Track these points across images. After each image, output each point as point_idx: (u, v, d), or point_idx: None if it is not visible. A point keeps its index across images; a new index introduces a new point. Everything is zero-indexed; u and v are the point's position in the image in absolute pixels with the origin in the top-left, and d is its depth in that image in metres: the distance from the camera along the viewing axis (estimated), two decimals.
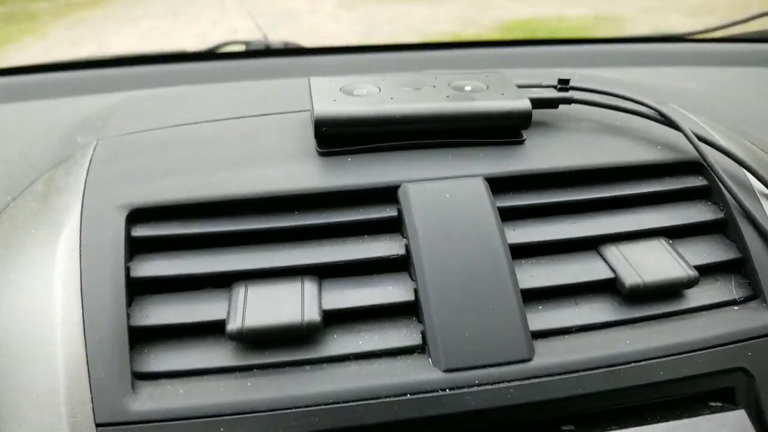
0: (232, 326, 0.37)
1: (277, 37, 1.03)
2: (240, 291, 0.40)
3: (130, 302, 0.39)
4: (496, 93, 0.48)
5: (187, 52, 0.93)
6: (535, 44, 0.94)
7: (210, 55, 0.93)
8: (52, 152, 0.54)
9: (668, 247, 0.44)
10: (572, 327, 0.40)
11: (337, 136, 0.46)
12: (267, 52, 0.94)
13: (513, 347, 0.38)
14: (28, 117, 0.66)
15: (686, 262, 0.43)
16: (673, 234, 0.46)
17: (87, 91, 0.77)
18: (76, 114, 0.63)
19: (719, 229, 0.47)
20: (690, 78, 0.84)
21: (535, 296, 0.41)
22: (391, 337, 0.39)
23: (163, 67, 0.85)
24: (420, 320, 0.40)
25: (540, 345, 0.39)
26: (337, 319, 0.40)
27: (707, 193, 0.48)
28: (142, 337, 0.39)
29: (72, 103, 0.71)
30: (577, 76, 0.69)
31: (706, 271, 0.44)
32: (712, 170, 0.47)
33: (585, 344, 0.40)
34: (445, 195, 0.43)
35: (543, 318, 0.41)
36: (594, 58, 0.90)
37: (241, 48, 1.02)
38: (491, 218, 0.42)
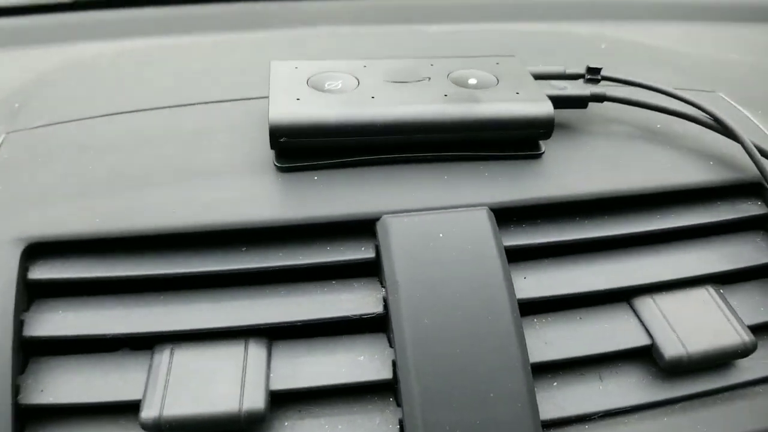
0: (148, 414, 0.28)
1: None
2: (163, 359, 0.30)
3: (21, 369, 0.30)
4: (508, 91, 0.37)
5: None
6: None
7: None
8: None
9: (718, 299, 0.35)
10: (595, 413, 0.31)
11: (300, 148, 0.35)
12: None
13: None
14: None
15: (740, 322, 0.34)
16: (725, 279, 0.36)
17: (20, 42, 0.65)
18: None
19: None
20: (714, 36, 0.72)
21: (549, 369, 0.32)
22: (361, 427, 0.30)
23: (115, 12, 0.72)
24: (398, 404, 0.30)
25: None
26: (290, 399, 0.31)
27: (766, 223, 0.38)
28: (35, 418, 0.30)
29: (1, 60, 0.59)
30: (605, 45, 0.58)
31: (764, 330, 0.35)
32: None
33: None
34: (437, 233, 0.33)
35: (558, 400, 0.32)
36: (600, 9, 0.78)
37: None
38: (496, 266, 0.32)
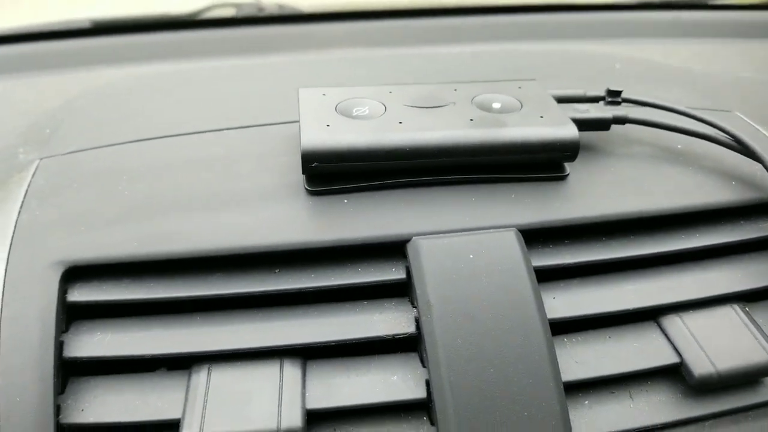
0: None
1: None
2: (200, 379, 0.31)
3: (62, 388, 0.31)
4: (533, 115, 0.38)
5: (167, 18, 0.81)
6: (549, 11, 0.82)
7: (193, 22, 0.82)
8: None
9: (744, 318, 0.35)
10: (626, 431, 0.32)
11: (331, 173, 0.36)
12: (259, 19, 0.83)
13: None
14: None
15: None
16: (750, 297, 0.36)
17: (46, 66, 0.66)
18: (27, 105, 0.53)
19: None
20: (726, 53, 0.73)
21: (580, 388, 0.33)
22: None
23: (139, 37, 0.74)
24: (433, 423, 0.31)
25: None
26: (325, 417, 0.31)
27: None
28: None
29: (26, 85, 0.61)
30: (619, 65, 0.59)
31: None
32: None
33: None
34: (467, 255, 0.33)
35: (590, 418, 0.32)
36: (613, 28, 0.79)
37: (229, 12, 0.90)
38: (526, 286, 0.33)
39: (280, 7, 0.85)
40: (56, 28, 0.75)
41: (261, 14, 0.83)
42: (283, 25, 0.79)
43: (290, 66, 0.58)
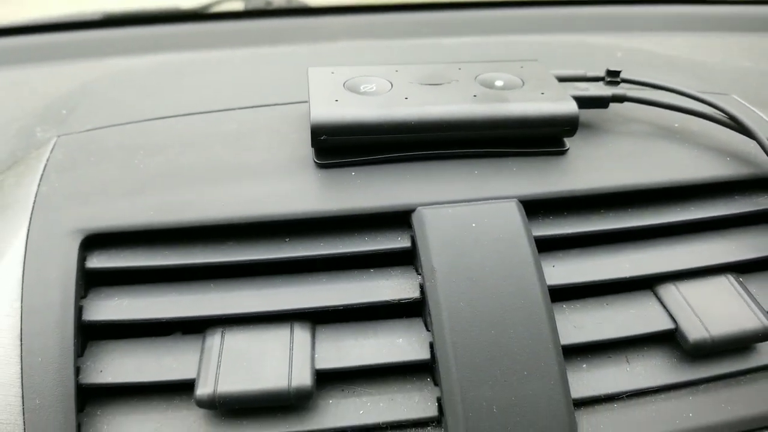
0: (202, 391, 0.30)
1: None
2: (214, 341, 0.32)
3: (81, 351, 0.32)
4: (534, 91, 0.40)
5: (178, 11, 0.83)
6: (550, 5, 0.84)
7: (203, 15, 0.83)
8: (6, 149, 0.46)
9: (738, 287, 0.36)
10: (623, 393, 0.33)
11: (338, 146, 0.38)
12: (267, 12, 0.84)
13: (552, 423, 0.31)
14: None
15: (760, 307, 0.35)
16: (743, 267, 0.38)
17: (60, 56, 0.68)
18: (43, 89, 0.54)
19: None
20: (725, 45, 0.74)
21: (578, 352, 0.34)
22: (401, 405, 0.32)
23: (150, 29, 0.75)
24: (436, 383, 0.32)
25: (584, 417, 0.32)
26: (333, 378, 0.32)
27: None
28: (94, 397, 0.32)
29: (41, 73, 0.62)
30: (621, 53, 0.60)
31: None
32: None
33: (638, 418, 0.32)
34: (470, 223, 0.35)
35: (587, 381, 0.33)
36: (612, 21, 0.80)
37: (238, 6, 0.91)
38: (527, 254, 0.34)
39: (288, 0, 0.87)
40: (69, 19, 0.77)
41: (269, 7, 0.84)
42: (291, 17, 0.80)
43: (298, 55, 0.59)
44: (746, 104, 0.48)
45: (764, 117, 0.46)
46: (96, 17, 0.77)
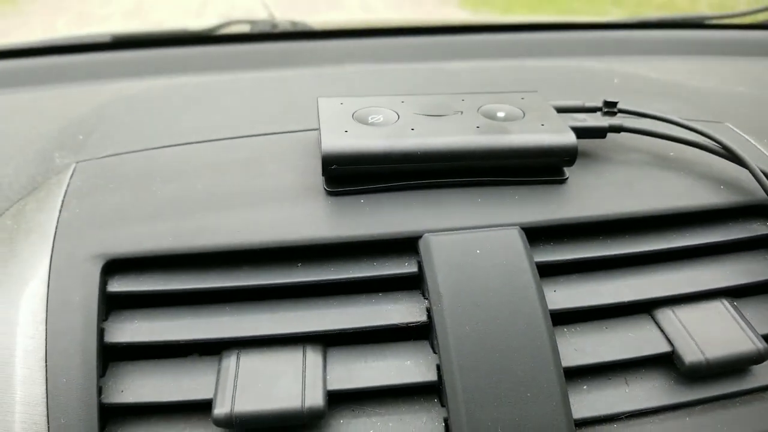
0: (220, 411, 0.31)
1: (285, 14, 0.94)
2: (230, 363, 0.34)
3: (102, 371, 0.34)
4: (534, 123, 0.41)
5: (185, 34, 0.85)
6: (550, 29, 0.86)
7: (210, 38, 0.86)
8: (26, 173, 0.47)
9: (732, 311, 0.38)
10: (622, 413, 0.34)
11: (348, 175, 0.39)
12: (273, 35, 0.86)
13: None
14: (1, 116, 0.59)
15: (754, 331, 0.37)
16: (738, 292, 0.39)
17: (71, 78, 0.70)
18: (56, 112, 0.56)
19: None
20: (721, 70, 0.76)
21: (579, 374, 0.35)
22: (409, 425, 0.33)
23: (159, 51, 0.77)
24: (443, 404, 0.34)
25: None
26: (344, 399, 0.34)
27: None
28: (116, 416, 0.33)
29: (53, 96, 0.64)
30: (617, 80, 0.62)
31: None
32: None
33: None
34: (474, 250, 0.36)
35: (588, 402, 0.34)
36: (610, 46, 0.82)
37: (245, 29, 0.93)
38: (529, 279, 0.35)
39: (294, 24, 0.89)
40: (78, 42, 0.79)
41: (275, 30, 0.86)
42: (297, 41, 0.82)
43: (306, 78, 0.61)
44: (739, 132, 0.49)
45: (757, 145, 0.48)
46: (105, 39, 0.79)
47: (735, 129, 0.50)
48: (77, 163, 0.44)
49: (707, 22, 0.92)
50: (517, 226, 0.37)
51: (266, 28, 0.89)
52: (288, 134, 0.46)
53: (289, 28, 0.88)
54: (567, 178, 0.41)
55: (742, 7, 0.94)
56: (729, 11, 0.94)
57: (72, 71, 0.72)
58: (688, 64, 0.77)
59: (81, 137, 0.49)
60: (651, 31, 0.87)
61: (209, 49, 0.78)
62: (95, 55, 0.76)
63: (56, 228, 0.38)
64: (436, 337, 0.34)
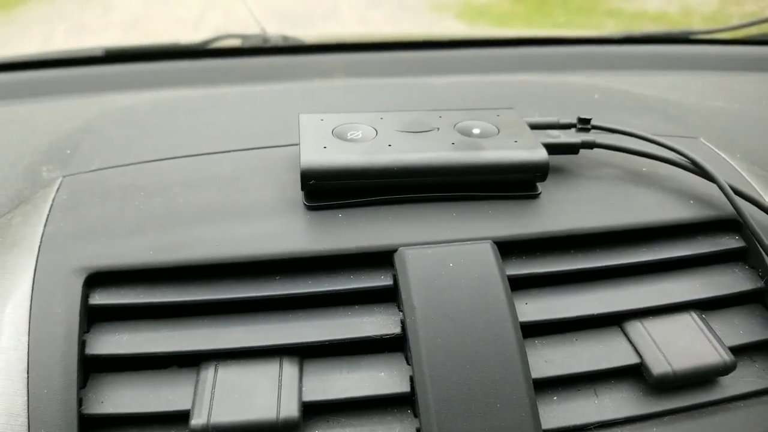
0: (197, 422, 0.32)
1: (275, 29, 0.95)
2: (208, 375, 0.35)
3: (83, 383, 0.34)
4: (508, 139, 0.43)
5: (177, 47, 0.86)
6: (535, 44, 0.87)
7: (202, 51, 0.87)
8: (14, 186, 0.48)
9: (700, 323, 0.39)
10: (591, 424, 0.35)
11: (326, 189, 0.40)
12: (264, 50, 0.88)
13: None
14: None
15: (721, 343, 0.38)
16: (706, 305, 0.40)
17: (62, 91, 0.71)
18: (47, 126, 0.57)
19: (758, 298, 0.41)
20: (703, 85, 0.77)
21: (549, 385, 0.36)
22: None
23: (150, 65, 0.79)
24: (416, 415, 0.34)
25: None
26: (319, 410, 0.35)
27: (744, 256, 0.42)
28: (95, 427, 0.34)
29: (44, 108, 0.65)
30: (598, 95, 0.63)
31: (742, 351, 0.39)
32: (750, 230, 0.41)
33: None
34: (447, 263, 0.37)
35: (558, 412, 0.35)
36: (596, 61, 0.84)
37: (236, 43, 0.95)
38: (500, 292, 0.36)
39: (285, 38, 0.90)
40: (69, 55, 0.80)
41: (266, 45, 0.88)
42: (287, 55, 0.84)
43: (292, 93, 0.63)
44: (712, 147, 0.51)
45: (728, 159, 0.49)
46: (96, 53, 0.80)
47: (708, 144, 0.51)
48: (63, 177, 0.45)
49: (692, 37, 0.93)
50: (490, 240, 0.38)
51: (257, 43, 0.90)
52: (271, 149, 0.48)
53: (280, 42, 0.90)
54: (540, 193, 0.42)
55: (730, 22, 0.96)
56: (715, 26, 0.95)
57: (63, 84, 0.73)
58: (670, 79, 0.78)
59: (68, 151, 0.50)
60: (636, 46, 0.88)
61: (200, 63, 0.79)
62: (86, 69, 0.77)
63: (41, 241, 0.39)
64: (409, 349, 0.35)
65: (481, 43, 0.87)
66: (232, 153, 0.47)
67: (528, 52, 0.85)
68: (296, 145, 0.47)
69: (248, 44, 0.91)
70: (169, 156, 0.47)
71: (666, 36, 0.94)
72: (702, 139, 0.52)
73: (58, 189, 0.44)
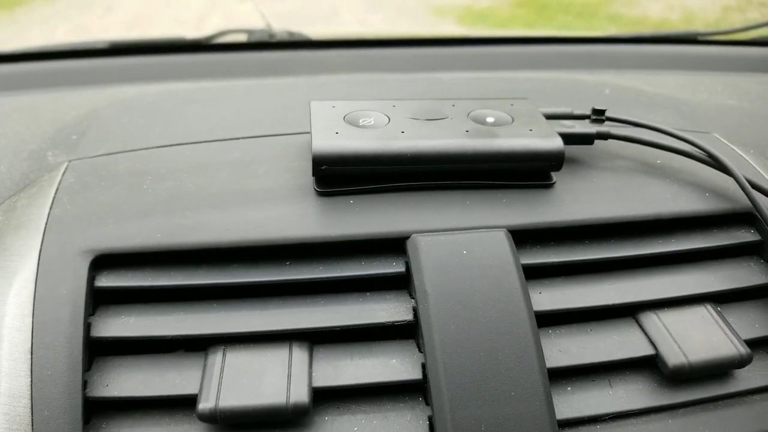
0: (204, 406, 0.32)
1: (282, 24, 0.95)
2: (216, 359, 0.34)
3: (88, 366, 0.34)
4: (523, 128, 0.42)
5: (182, 42, 0.86)
6: (543, 43, 0.87)
7: (207, 46, 0.86)
8: (19, 171, 0.48)
9: (716, 316, 0.38)
10: (605, 415, 0.34)
11: (338, 175, 0.40)
12: (270, 44, 0.87)
13: None
14: None
15: (737, 336, 0.37)
16: (721, 298, 0.40)
17: (68, 83, 0.70)
18: (53, 114, 0.57)
19: None
20: (711, 84, 0.77)
21: (563, 375, 0.35)
22: (393, 422, 0.33)
23: (155, 58, 0.78)
24: (427, 402, 0.34)
25: None
26: (329, 396, 0.34)
27: (760, 250, 0.42)
28: (100, 410, 0.33)
29: (50, 99, 0.64)
30: (608, 90, 0.63)
31: (758, 344, 0.38)
32: (766, 223, 0.41)
33: None
34: (461, 251, 0.37)
35: (572, 403, 0.35)
36: (604, 59, 0.84)
37: (242, 38, 0.94)
38: (515, 281, 0.36)
39: (290, 33, 0.90)
40: (77, 47, 0.79)
41: (272, 40, 0.87)
42: (293, 50, 0.83)
43: (299, 85, 0.62)
44: (726, 142, 0.50)
45: (743, 155, 0.48)
46: (103, 46, 0.80)
47: (722, 139, 0.51)
48: (70, 161, 0.44)
49: (700, 38, 0.93)
50: (504, 229, 0.38)
51: (263, 38, 0.90)
52: (281, 137, 0.47)
53: (285, 37, 0.89)
54: (554, 183, 0.42)
55: (736, 25, 0.96)
56: (722, 28, 0.95)
57: (68, 76, 0.72)
58: (679, 78, 0.78)
59: (74, 137, 0.50)
60: (645, 45, 0.88)
61: (205, 57, 0.79)
62: (92, 60, 0.76)
63: (46, 223, 0.38)
64: (421, 336, 0.34)
65: (489, 41, 0.86)
66: (241, 140, 0.46)
67: (536, 51, 0.85)
68: (307, 133, 0.47)
69: (254, 39, 0.91)
70: (177, 142, 0.46)
71: (673, 36, 0.93)
72: (716, 135, 0.51)
73: (64, 172, 0.43)
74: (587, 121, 0.46)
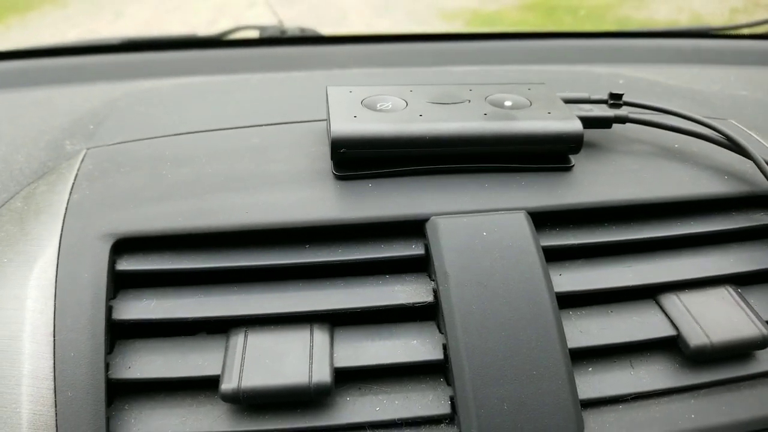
0: (227, 386, 0.32)
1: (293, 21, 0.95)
2: (238, 340, 0.34)
3: (110, 348, 0.34)
4: (541, 111, 0.42)
5: (195, 38, 0.86)
6: (556, 37, 0.87)
7: (220, 42, 0.87)
8: (37, 160, 0.48)
9: (737, 297, 0.38)
10: (627, 395, 0.34)
11: (356, 159, 0.40)
12: (282, 40, 0.88)
13: (560, 421, 0.32)
14: (14, 110, 0.60)
15: (758, 317, 0.37)
16: (741, 280, 0.39)
17: (82, 78, 0.70)
18: (68, 107, 0.57)
19: None
20: (725, 76, 0.77)
21: (584, 355, 0.35)
22: (415, 403, 0.33)
23: (169, 54, 0.78)
24: (449, 383, 0.34)
25: (590, 417, 0.33)
26: (350, 377, 0.34)
27: None
28: (122, 392, 0.33)
29: (65, 93, 0.65)
30: (623, 81, 0.63)
31: None
32: None
33: (642, 418, 0.34)
34: (481, 232, 0.36)
35: (594, 383, 0.34)
36: (617, 53, 0.83)
37: (254, 34, 0.95)
38: (535, 261, 0.36)
39: (302, 30, 0.90)
40: (91, 43, 0.80)
41: (284, 36, 0.88)
42: (305, 46, 0.83)
43: (314, 78, 0.62)
44: (744, 128, 0.50)
45: (760, 140, 0.48)
46: (116, 42, 0.81)
47: (738, 125, 0.50)
48: (88, 149, 0.45)
49: (712, 32, 0.93)
50: (524, 211, 0.38)
51: (275, 34, 0.90)
52: (298, 124, 0.47)
53: (297, 33, 0.89)
54: (573, 166, 0.42)
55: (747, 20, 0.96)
56: (734, 23, 0.95)
57: (85, 72, 0.73)
58: (692, 71, 0.78)
59: (92, 127, 0.50)
60: (657, 39, 0.88)
61: (218, 53, 0.79)
62: (108, 56, 0.77)
63: (66, 208, 0.38)
64: (442, 317, 0.34)
65: (502, 36, 0.86)
66: (259, 127, 0.47)
67: (548, 45, 0.85)
68: (324, 120, 0.47)
69: (266, 35, 0.91)
70: (196, 129, 0.46)
71: (686, 31, 0.93)
72: (733, 121, 0.51)
73: (83, 160, 0.43)
74: (605, 105, 0.46)
